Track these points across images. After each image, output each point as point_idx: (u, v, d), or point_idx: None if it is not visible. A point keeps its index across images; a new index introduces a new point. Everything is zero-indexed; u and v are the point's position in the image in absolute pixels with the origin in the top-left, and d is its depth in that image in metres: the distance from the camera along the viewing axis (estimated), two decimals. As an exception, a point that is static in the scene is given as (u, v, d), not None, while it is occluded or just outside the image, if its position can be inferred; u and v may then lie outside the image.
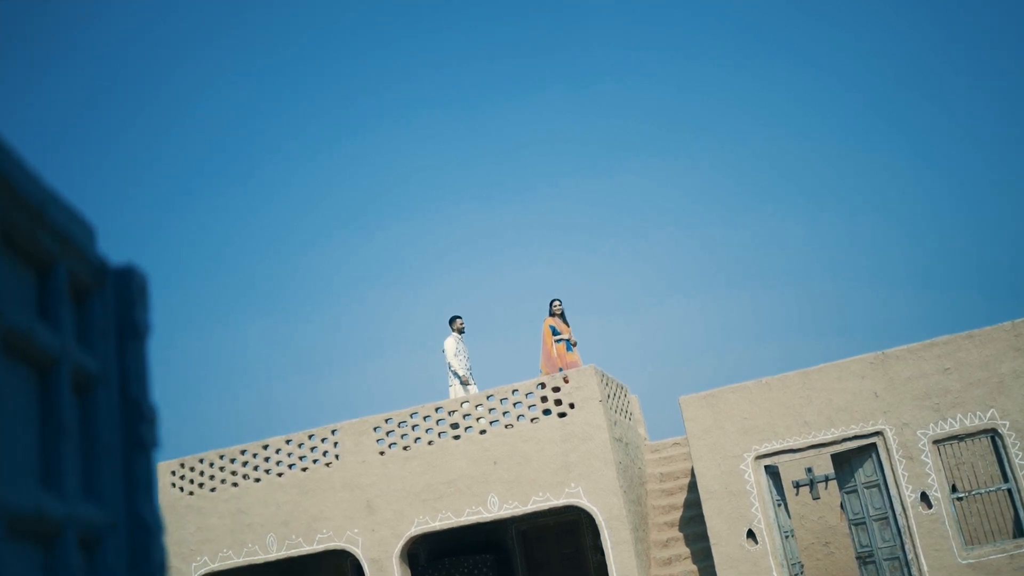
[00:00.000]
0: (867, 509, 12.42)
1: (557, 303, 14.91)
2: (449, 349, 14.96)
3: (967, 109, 36.56)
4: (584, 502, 12.59)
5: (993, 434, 11.85)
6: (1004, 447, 11.78)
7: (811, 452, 12.55)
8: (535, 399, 13.26)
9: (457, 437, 13.45)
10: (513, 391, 13.40)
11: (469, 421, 13.45)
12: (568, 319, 15.11)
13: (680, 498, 14.20)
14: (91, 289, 1.45)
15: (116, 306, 1.50)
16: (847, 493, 12.79)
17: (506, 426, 13.29)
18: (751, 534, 12.33)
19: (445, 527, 13.20)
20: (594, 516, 12.56)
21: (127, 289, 1.51)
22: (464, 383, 14.70)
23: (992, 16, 34.72)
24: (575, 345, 14.82)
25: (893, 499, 12.00)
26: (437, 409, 13.65)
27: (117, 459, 1.44)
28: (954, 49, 36.29)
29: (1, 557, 1.12)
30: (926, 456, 11.90)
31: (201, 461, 14.64)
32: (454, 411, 13.57)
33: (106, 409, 1.43)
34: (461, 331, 15.20)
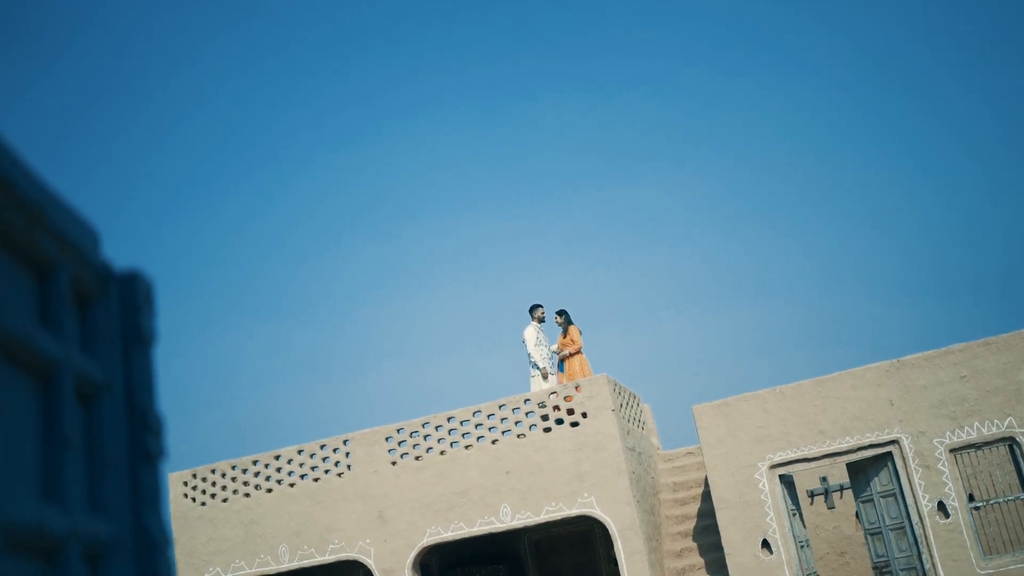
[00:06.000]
0: (883, 518, 12.29)
1: (557, 317, 14.65)
2: (530, 339, 14.31)
3: (970, 118, 36.39)
4: (597, 512, 12.52)
5: (1011, 442, 11.72)
6: (1022, 456, 11.65)
7: (826, 461, 12.43)
8: (547, 408, 13.19)
9: (469, 447, 13.40)
10: (525, 400, 13.35)
11: (481, 431, 13.39)
12: (576, 327, 14.77)
13: (693, 508, 14.10)
14: (94, 295, 1.41)
15: (121, 312, 1.46)
16: (863, 502, 12.67)
17: (518, 436, 13.23)
18: (766, 544, 12.22)
19: (457, 537, 13.15)
20: (607, 526, 12.49)
21: (132, 295, 1.47)
22: (544, 376, 14.07)
23: (988, 26, 34.57)
24: (568, 358, 14.41)
25: (910, 508, 11.88)
26: (449, 419, 13.61)
27: (123, 471, 1.39)
28: (955, 58, 36.15)
29: (1, 573, 1.07)
30: (943, 465, 11.78)
31: (213, 472, 14.63)
32: (466, 421, 13.52)
33: (111, 419, 1.38)
34: (542, 320, 14.51)
